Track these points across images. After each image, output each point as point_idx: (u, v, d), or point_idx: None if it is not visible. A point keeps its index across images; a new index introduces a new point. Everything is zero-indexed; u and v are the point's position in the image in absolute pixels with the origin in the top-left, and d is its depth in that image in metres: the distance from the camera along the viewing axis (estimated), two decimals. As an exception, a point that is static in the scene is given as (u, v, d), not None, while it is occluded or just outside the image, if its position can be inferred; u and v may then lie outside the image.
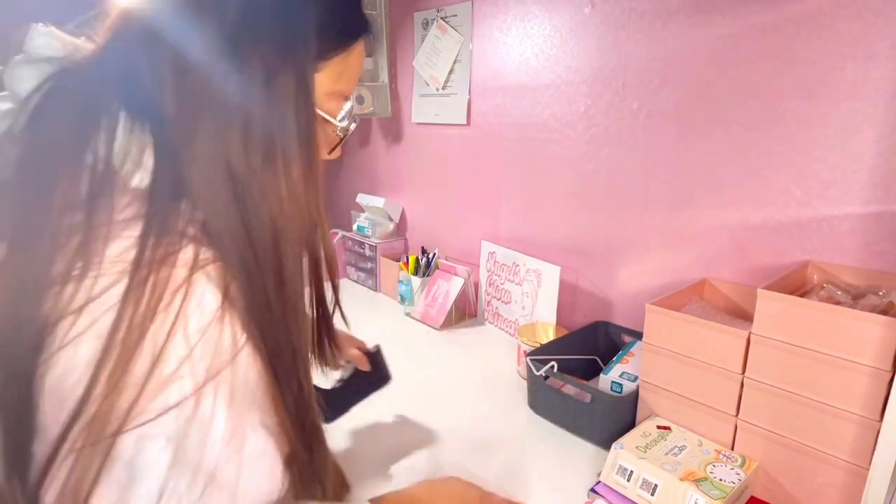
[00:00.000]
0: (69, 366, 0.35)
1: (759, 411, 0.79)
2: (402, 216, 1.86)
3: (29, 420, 0.36)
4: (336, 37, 0.47)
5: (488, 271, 1.49)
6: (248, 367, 0.40)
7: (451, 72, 1.54)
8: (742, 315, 0.98)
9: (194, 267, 0.38)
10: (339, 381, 0.86)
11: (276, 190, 0.42)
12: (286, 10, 0.43)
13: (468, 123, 1.54)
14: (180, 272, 0.37)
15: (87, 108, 0.41)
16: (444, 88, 1.58)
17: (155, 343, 0.35)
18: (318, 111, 0.47)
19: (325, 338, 0.52)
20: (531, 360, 1.04)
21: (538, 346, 1.13)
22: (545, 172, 1.36)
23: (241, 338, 0.39)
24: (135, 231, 0.37)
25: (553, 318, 1.27)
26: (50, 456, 0.34)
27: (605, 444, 0.86)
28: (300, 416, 0.44)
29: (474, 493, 0.60)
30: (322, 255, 0.47)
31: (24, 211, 0.38)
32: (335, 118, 0.49)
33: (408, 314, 1.56)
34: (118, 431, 0.34)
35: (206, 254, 0.39)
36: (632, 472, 0.79)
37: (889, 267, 0.85)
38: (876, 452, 0.64)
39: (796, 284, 0.89)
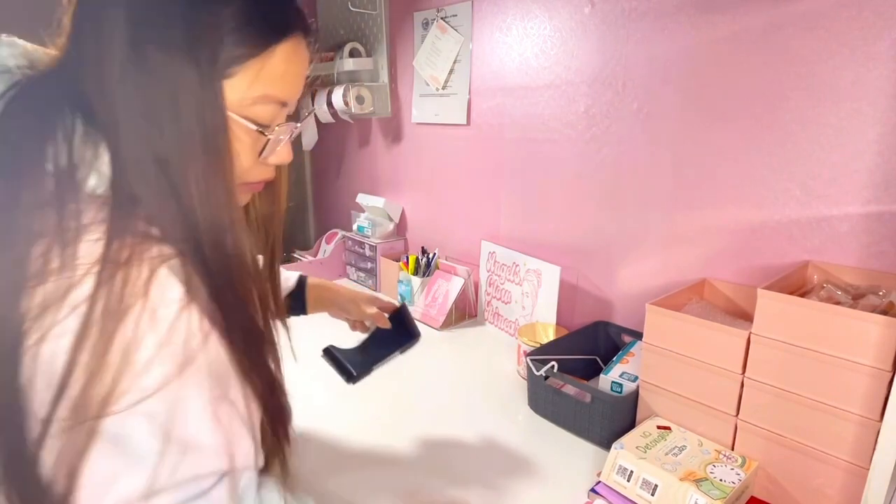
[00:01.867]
0: (52, 358, 0.38)
1: (760, 411, 0.79)
2: (402, 216, 1.86)
3: (18, 410, 0.39)
4: (246, 41, 0.45)
5: (488, 271, 1.49)
6: (217, 348, 0.43)
7: (451, 72, 1.54)
8: (742, 315, 0.98)
9: (157, 263, 0.41)
10: (363, 341, 0.86)
11: (200, 187, 0.44)
12: (189, 14, 0.43)
13: (468, 123, 1.54)
14: (145, 268, 0.41)
15: (44, 118, 0.43)
16: (444, 88, 1.58)
17: (127, 333, 0.39)
18: (236, 117, 0.47)
19: (272, 300, 0.55)
20: (531, 360, 1.04)
21: (538, 346, 1.13)
22: (545, 172, 1.36)
23: (206, 324, 0.43)
24: (98, 232, 0.40)
25: (553, 318, 1.27)
26: (40, 435, 0.38)
27: (605, 444, 0.86)
28: (267, 390, 0.48)
29: None
30: (242, 251, 0.48)
31: None
32: (263, 124, 0.48)
33: (408, 314, 1.56)
34: (100, 414, 0.38)
35: (166, 250, 0.42)
36: (632, 472, 0.79)
37: (889, 267, 0.85)
38: (876, 452, 0.64)
39: (796, 284, 0.89)
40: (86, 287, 0.39)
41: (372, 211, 1.86)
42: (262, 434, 0.49)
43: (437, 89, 1.60)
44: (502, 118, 1.44)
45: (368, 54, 1.79)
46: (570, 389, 0.98)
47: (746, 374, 0.79)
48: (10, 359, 0.38)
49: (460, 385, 1.16)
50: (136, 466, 0.40)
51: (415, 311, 1.54)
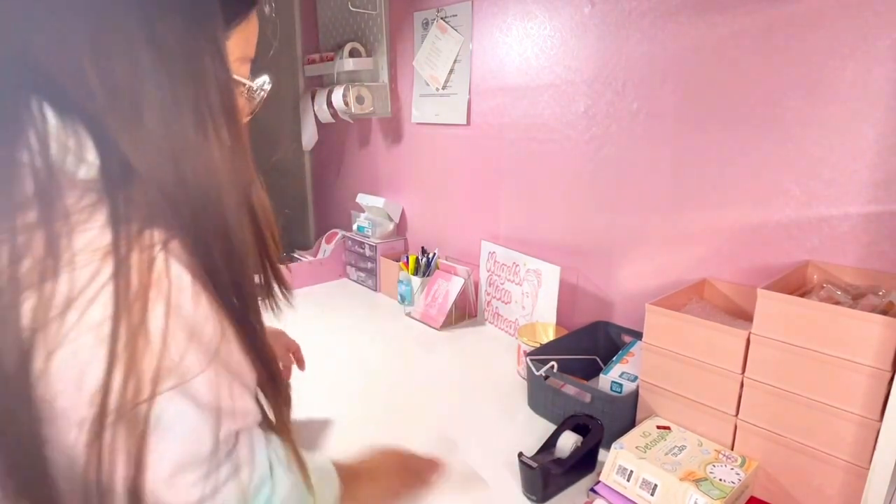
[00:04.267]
0: (72, 362, 0.37)
1: (759, 411, 0.79)
2: (402, 216, 1.86)
3: (34, 429, 0.38)
4: (236, 4, 0.49)
5: (488, 271, 1.49)
6: (225, 325, 0.44)
7: (451, 72, 1.54)
8: (742, 315, 0.98)
9: (164, 246, 0.40)
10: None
11: (212, 158, 0.44)
12: None
13: (468, 123, 1.54)
14: (156, 252, 0.40)
15: (8, 109, 0.40)
16: (444, 88, 1.58)
17: (153, 318, 0.39)
18: (235, 76, 0.48)
19: (274, 282, 0.55)
20: (531, 360, 1.04)
21: (538, 346, 1.13)
22: (545, 172, 1.36)
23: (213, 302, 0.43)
24: (97, 221, 0.38)
25: (553, 318, 1.27)
26: (92, 432, 0.38)
27: (605, 444, 0.86)
28: (262, 357, 0.50)
29: (400, 457, 0.76)
30: (260, 208, 0.50)
31: None
32: (250, 81, 0.53)
33: (408, 314, 1.56)
34: (147, 399, 0.39)
35: (167, 233, 0.41)
36: (632, 471, 0.79)
37: (889, 267, 0.85)
38: (876, 452, 0.64)
39: (796, 284, 0.89)
40: (99, 279, 0.37)
41: (372, 211, 1.86)
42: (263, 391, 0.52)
43: (437, 89, 1.60)
44: (502, 118, 1.44)
45: (368, 54, 1.79)
46: (570, 389, 0.98)
47: (746, 374, 0.79)
48: (17, 376, 0.36)
49: (460, 385, 1.16)
50: (180, 438, 0.42)
51: (415, 311, 1.54)
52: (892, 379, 0.66)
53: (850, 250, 0.89)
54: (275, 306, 0.55)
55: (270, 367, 0.51)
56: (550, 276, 1.28)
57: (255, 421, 0.50)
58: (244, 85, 0.52)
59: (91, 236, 0.38)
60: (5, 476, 0.39)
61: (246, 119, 0.55)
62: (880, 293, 0.81)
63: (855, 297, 0.82)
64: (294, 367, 0.95)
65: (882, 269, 0.86)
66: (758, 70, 0.95)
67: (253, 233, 0.49)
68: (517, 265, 1.39)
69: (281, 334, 0.94)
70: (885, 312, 0.74)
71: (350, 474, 0.68)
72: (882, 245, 0.86)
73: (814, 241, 0.93)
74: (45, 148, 0.39)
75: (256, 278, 0.51)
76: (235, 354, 0.46)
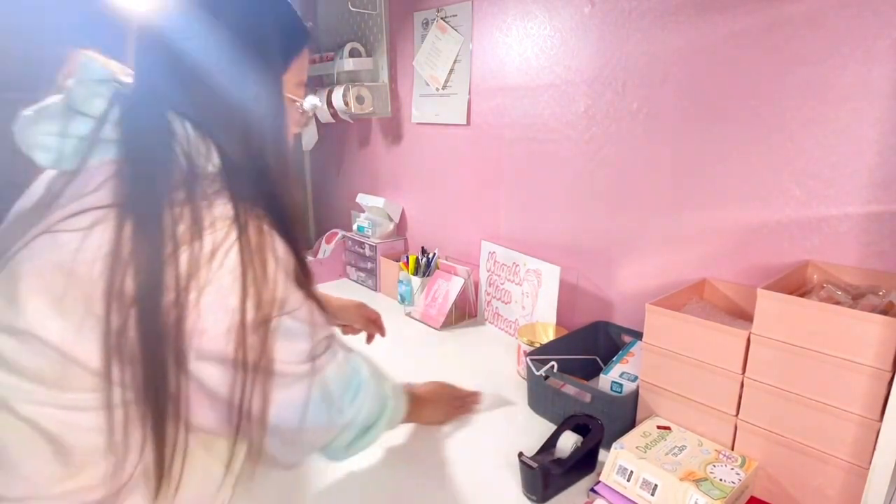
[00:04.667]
0: (217, 294, 0.54)
1: (759, 411, 0.79)
2: (402, 216, 1.86)
3: (179, 345, 0.54)
4: (295, 43, 0.68)
5: (488, 271, 1.49)
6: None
7: (451, 72, 1.54)
8: (742, 315, 0.98)
9: (264, 219, 0.58)
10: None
11: (282, 162, 0.65)
12: (262, 34, 0.63)
13: (468, 123, 1.54)
14: (260, 224, 0.58)
15: (165, 123, 0.58)
16: (444, 88, 1.58)
17: (267, 266, 0.57)
18: (291, 97, 0.69)
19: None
20: (531, 360, 1.04)
21: (538, 346, 1.13)
22: (545, 172, 1.36)
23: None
24: (222, 200, 0.56)
25: (553, 318, 1.27)
26: (238, 338, 0.55)
27: (606, 444, 0.86)
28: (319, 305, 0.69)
29: (449, 388, 1.04)
30: (291, 200, 0.68)
31: (140, 194, 0.54)
32: (302, 102, 0.72)
33: (408, 314, 1.56)
34: (272, 316, 0.58)
35: (262, 210, 0.59)
36: (632, 472, 0.79)
37: (889, 267, 0.85)
38: (876, 452, 0.64)
39: (796, 284, 0.89)
40: (230, 238, 0.55)
41: (372, 211, 1.86)
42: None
43: (437, 89, 1.60)
44: (502, 118, 1.44)
45: (368, 54, 1.79)
46: (570, 389, 0.98)
47: (746, 374, 0.79)
48: (177, 311, 0.52)
49: (460, 385, 1.15)
50: (299, 341, 0.62)
51: (415, 311, 1.54)
52: (892, 379, 0.66)
53: (850, 250, 0.89)
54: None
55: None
56: (550, 276, 1.28)
57: (335, 337, 0.69)
58: (300, 106, 0.72)
59: (220, 210, 0.55)
60: (143, 386, 0.54)
61: (297, 131, 0.74)
62: (880, 293, 0.81)
63: (855, 297, 0.82)
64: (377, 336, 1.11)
65: (882, 269, 0.86)
66: (758, 70, 0.95)
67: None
68: (517, 265, 1.39)
69: (362, 305, 1.10)
70: (885, 312, 0.74)
71: (415, 396, 0.92)
72: (882, 245, 0.86)
73: (814, 241, 0.93)
74: (187, 150, 0.57)
75: None
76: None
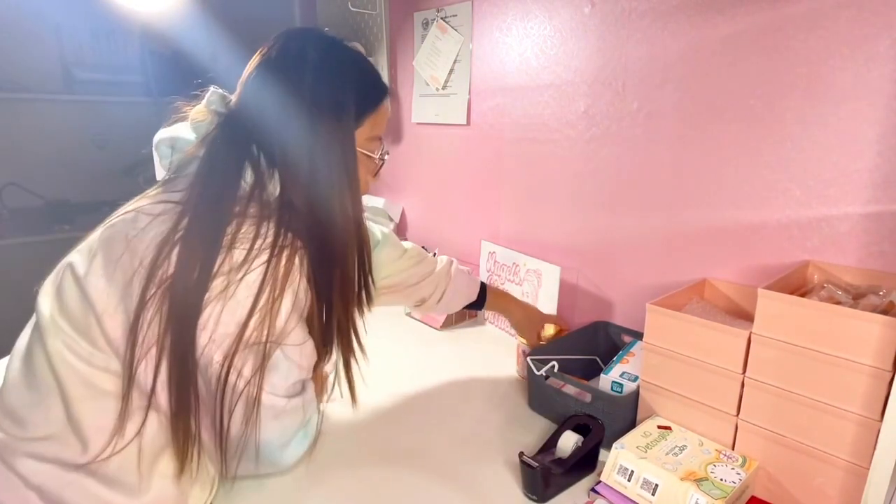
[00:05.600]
0: (231, 301, 0.62)
1: (760, 411, 0.79)
2: (402, 216, 1.86)
3: (191, 334, 0.62)
4: (369, 102, 0.78)
5: (488, 271, 1.49)
6: (315, 316, 0.73)
7: (451, 72, 1.54)
8: (742, 315, 0.98)
9: (299, 251, 0.67)
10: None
11: (338, 206, 0.72)
12: (337, 100, 0.73)
13: (468, 123, 1.54)
14: (293, 254, 0.66)
15: (241, 149, 0.70)
16: (444, 88, 1.58)
17: (285, 297, 0.65)
18: (363, 151, 0.78)
19: (364, 290, 0.81)
20: (531, 360, 1.04)
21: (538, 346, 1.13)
22: (545, 172, 1.36)
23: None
24: (270, 224, 0.66)
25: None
26: (229, 350, 0.63)
27: (606, 444, 0.86)
28: (345, 340, 0.80)
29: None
30: (365, 242, 0.79)
31: (204, 199, 0.65)
32: (375, 154, 0.82)
33: (408, 314, 1.56)
34: (265, 343, 0.65)
35: (304, 245, 0.68)
36: (632, 471, 0.79)
37: (889, 267, 0.86)
38: (876, 452, 0.64)
39: (796, 284, 0.89)
40: (262, 258, 0.63)
41: (372, 211, 1.86)
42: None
43: (437, 89, 1.60)
44: (502, 118, 1.44)
45: (368, 54, 1.78)
46: (570, 389, 0.98)
47: (747, 374, 0.79)
48: (195, 304, 0.61)
49: (460, 385, 1.16)
50: (278, 372, 0.69)
51: (415, 311, 1.54)
52: (892, 379, 0.66)
53: (850, 250, 0.89)
54: (362, 308, 0.82)
55: (352, 347, 0.80)
56: (550, 276, 1.28)
57: (309, 376, 0.76)
58: (371, 157, 0.81)
59: (263, 231, 0.65)
60: (172, 366, 0.62)
61: (372, 178, 0.85)
62: (881, 293, 0.82)
63: (855, 297, 0.82)
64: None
65: (882, 269, 0.86)
66: (758, 70, 0.95)
67: (357, 255, 0.77)
68: (517, 265, 1.39)
69: (549, 317, 1.23)
70: (885, 312, 0.74)
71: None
72: (882, 245, 0.86)
73: (814, 241, 0.93)
74: (255, 174, 0.69)
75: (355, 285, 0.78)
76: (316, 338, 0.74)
